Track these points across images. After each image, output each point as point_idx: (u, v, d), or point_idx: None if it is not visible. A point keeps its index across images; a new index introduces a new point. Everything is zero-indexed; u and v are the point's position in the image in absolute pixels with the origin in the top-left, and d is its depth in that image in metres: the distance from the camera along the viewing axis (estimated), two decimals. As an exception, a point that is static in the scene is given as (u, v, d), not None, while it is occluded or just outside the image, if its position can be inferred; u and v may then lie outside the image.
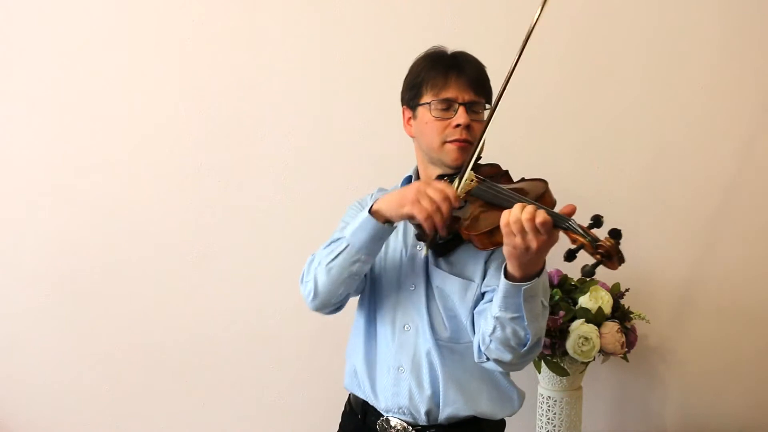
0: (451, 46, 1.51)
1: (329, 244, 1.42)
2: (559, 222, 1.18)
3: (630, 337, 1.95)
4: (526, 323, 1.26)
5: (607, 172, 2.19)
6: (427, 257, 1.45)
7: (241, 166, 2.22)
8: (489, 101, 1.47)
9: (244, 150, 2.22)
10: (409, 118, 1.51)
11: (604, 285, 1.98)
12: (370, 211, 1.35)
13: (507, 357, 1.32)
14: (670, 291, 2.19)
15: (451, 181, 1.42)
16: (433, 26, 2.15)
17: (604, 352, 1.92)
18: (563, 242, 1.20)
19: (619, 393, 2.24)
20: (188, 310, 2.26)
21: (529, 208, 1.17)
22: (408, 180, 1.57)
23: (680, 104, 2.18)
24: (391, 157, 2.07)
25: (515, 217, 1.17)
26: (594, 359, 1.91)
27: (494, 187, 1.34)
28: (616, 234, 1.14)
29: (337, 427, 1.61)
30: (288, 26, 2.19)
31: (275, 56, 2.20)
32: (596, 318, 1.90)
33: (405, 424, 1.44)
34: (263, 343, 2.26)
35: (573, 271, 2.03)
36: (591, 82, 2.19)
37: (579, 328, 1.85)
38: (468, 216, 1.34)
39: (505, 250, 1.20)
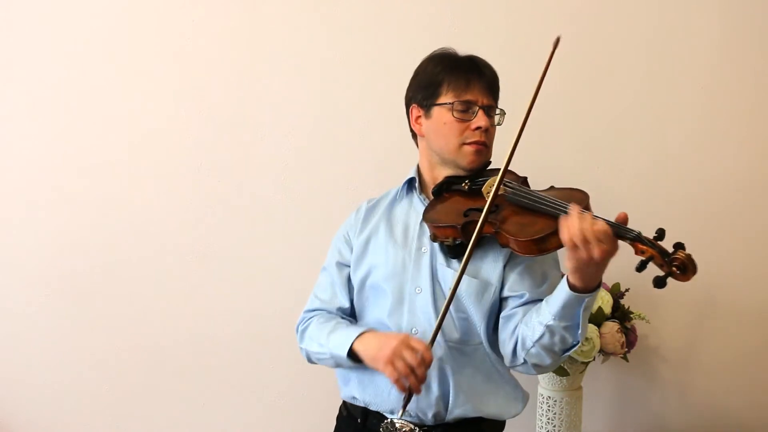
0: (452, 47, 1.51)
1: (317, 337, 1.49)
2: (626, 233, 1.18)
3: (630, 337, 1.95)
4: (579, 331, 1.27)
5: (608, 172, 2.19)
6: (432, 258, 1.44)
7: (241, 166, 2.22)
8: (498, 102, 1.50)
9: (244, 150, 2.21)
10: (419, 116, 1.50)
11: (604, 285, 1.97)
12: (349, 351, 1.39)
13: (547, 361, 1.34)
14: (670, 291, 2.18)
15: (474, 185, 1.42)
16: (434, 26, 2.15)
17: (604, 352, 1.92)
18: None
19: (619, 393, 2.24)
20: (188, 310, 2.25)
21: (587, 216, 1.18)
22: (409, 183, 1.55)
23: (680, 104, 2.18)
24: (391, 156, 2.08)
25: (576, 227, 1.16)
26: (594, 359, 1.91)
27: (529, 193, 1.34)
28: (682, 247, 1.16)
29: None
30: (288, 26, 2.19)
31: (275, 56, 2.20)
32: (596, 318, 1.90)
33: (411, 426, 1.43)
34: (263, 343, 2.26)
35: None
36: (591, 82, 2.19)
37: (579, 328, 1.85)
38: (505, 221, 1.32)
39: (570, 263, 1.20)
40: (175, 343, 2.26)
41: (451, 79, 1.45)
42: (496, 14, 2.16)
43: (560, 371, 1.92)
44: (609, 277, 2.02)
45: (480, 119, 1.43)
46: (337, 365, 1.48)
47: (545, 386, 1.99)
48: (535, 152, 2.15)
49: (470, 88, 1.44)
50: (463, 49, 1.52)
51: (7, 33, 2.20)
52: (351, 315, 1.56)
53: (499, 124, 1.49)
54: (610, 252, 1.17)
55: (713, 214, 2.19)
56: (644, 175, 2.19)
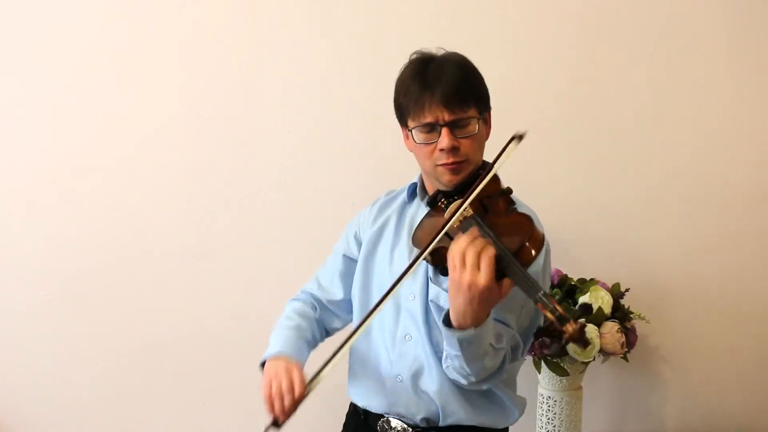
0: (453, 47, 1.46)
1: (281, 318, 1.57)
2: (530, 293, 1.10)
3: (630, 337, 1.95)
4: (464, 363, 1.25)
5: (608, 173, 2.19)
6: (428, 268, 1.42)
7: (241, 166, 2.22)
8: (478, 105, 1.36)
9: (245, 150, 2.21)
10: (404, 133, 1.46)
11: (604, 285, 1.98)
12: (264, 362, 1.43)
13: (462, 382, 1.32)
14: (670, 291, 2.19)
15: (447, 205, 1.37)
16: (434, 26, 2.15)
17: (604, 352, 1.92)
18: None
19: (619, 393, 2.24)
20: (189, 310, 2.26)
21: (478, 242, 1.12)
22: (413, 188, 1.52)
23: (680, 105, 2.18)
24: (391, 157, 2.07)
25: (460, 247, 1.13)
26: (594, 359, 1.91)
27: (483, 228, 1.23)
28: (586, 309, 1.09)
29: (337, 426, 1.62)
30: (289, 26, 2.19)
31: (276, 56, 2.19)
32: (596, 318, 1.90)
33: (405, 425, 1.44)
34: (264, 343, 2.24)
35: (573, 270, 2.03)
36: (590, 84, 2.18)
37: (579, 328, 1.85)
38: None
39: (449, 289, 1.17)
40: (175, 343, 2.26)
41: (408, 102, 1.36)
42: (497, 15, 2.16)
43: (560, 371, 1.92)
44: (609, 277, 2.02)
45: (443, 140, 1.32)
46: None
47: (545, 386, 2.00)
48: (534, 154, 2.16)
49: (425, 108, 1.33)
50: (463, 49, 1.46)
51: (8, 33, 2.20)
52: (343, 308, 1.58)
53: (476, 132, 1.35)
54: (487, 292, 1.12)
55: (712, 214, 2.19)
56: (643, 176, 2.19)
